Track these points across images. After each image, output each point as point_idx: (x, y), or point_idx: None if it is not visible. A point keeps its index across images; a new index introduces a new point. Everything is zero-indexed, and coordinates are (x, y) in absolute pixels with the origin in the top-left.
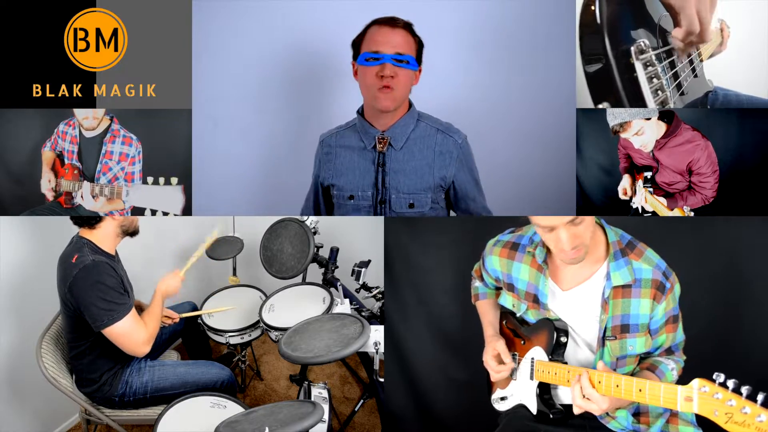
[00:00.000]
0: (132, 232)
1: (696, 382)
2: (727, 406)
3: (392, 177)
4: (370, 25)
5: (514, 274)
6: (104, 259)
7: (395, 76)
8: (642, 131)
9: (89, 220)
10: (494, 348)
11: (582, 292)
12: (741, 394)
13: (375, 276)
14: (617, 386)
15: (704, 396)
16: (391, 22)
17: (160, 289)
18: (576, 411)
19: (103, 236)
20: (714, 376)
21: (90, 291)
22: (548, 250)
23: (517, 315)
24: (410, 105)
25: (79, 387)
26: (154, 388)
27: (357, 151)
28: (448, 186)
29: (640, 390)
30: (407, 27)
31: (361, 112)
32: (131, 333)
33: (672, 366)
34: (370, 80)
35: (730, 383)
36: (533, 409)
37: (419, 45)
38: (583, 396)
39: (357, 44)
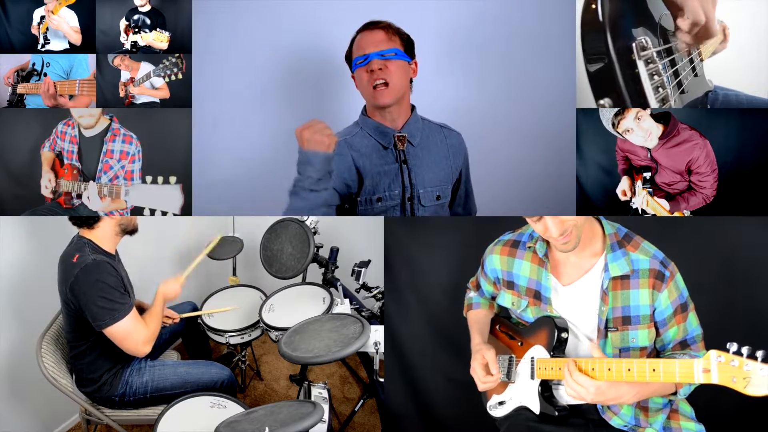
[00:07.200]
0: (131, 231)
1: (713, 353)
2: (745, 371)
3: (416, 173)
4: (354, 36)
5: (515, 271)
6: (105, 259)
7: (384, 68)
8: (641, 114)
9: (88, 220)
10: (483, 357)
11: (582, 286)
12: (756, 358)
13: (375, 276)
14: (609, 369)
15: (721, 365)
16: (371, 26)
17: (161, 291)
18: (569, 396)
19: (103, 235)
20: (727, 346)
21: (91, 290)
22: (548, 244)
23: (517, 312)
24: (412, 108)
25: (79, 387)
26: (154, 387)
27: (376, 152)
28: (456, 179)
29: (654, 370)
30: (386, 26)
31: (364, 114)
32: (132, 332)
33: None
34: (364, 81)
35: (745, 350)
36: (536, 409)
37: (406, 41)
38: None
39: (348, 56)
